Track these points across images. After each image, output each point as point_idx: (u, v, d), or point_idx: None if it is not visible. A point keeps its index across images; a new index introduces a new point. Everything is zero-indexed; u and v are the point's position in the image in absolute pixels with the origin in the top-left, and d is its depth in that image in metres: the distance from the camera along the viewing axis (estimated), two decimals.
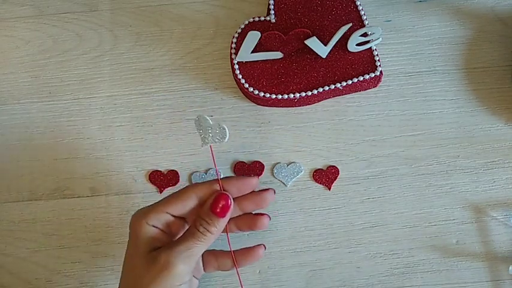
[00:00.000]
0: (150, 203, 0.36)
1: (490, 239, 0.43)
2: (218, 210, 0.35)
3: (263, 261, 0.43)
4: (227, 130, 0.35)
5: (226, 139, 0.35)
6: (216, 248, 0.38)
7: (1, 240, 0.44)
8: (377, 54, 0.46)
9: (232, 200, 0.35)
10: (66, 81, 0.49)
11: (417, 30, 0.49)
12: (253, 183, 0.37)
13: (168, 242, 0.35)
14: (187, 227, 0.38)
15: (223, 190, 0.36)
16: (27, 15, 0.51)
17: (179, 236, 0.36)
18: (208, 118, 0.35)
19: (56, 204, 0.45)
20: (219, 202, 0.35)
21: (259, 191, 0.37)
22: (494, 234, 0.43)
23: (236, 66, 0.46)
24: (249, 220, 0.37)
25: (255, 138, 0.46)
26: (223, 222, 0.35)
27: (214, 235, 0.35)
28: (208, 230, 0.34)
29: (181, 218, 0.37)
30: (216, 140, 0.35)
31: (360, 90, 0.47)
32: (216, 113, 0.47)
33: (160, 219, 0.35)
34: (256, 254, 0.38)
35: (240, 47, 0.44)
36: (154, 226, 0.35)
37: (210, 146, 0.35)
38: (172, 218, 0.36)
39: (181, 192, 0.36)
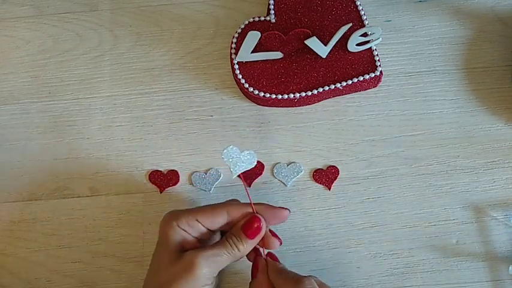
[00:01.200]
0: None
1: (490, 239, 0.43)
2: (249, 231, 0.36)
3: None
4: (254, 154, 0.36)
5: (254, 164, 0.36)
6: None
7: (1, 240, 0.44)
8: (377, 54, 0.46)
9: (264, 224, 0.36)
10: (66, 81, 0.49)
11: (417, 30, 0.49)
12: (284, 215, 0.38)
13: (198, 245, 0.37)
14: (216, 239, 0.39)
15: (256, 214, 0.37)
16: (27, 15, 0.51)
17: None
18: (235, 148, 0.36)
19: (56, 204, 0.45)
20: (250, 224, 0.36)
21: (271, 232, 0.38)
22: (494, 234, 0.43)
23: (236, 66, 0.46)
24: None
25: (255, 138, 0.46)
26: (252, 243, 0.36)
27: (241, 253, 0.36)
28: (236, 246, 0.36)
29: (212, 231, 0.38)
30: (244, 167, 0.36)
31: (360, 90, 0.47)
32: (216, 113, 0.47)
33: (191, 224, 0.36)
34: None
35: (240, 47, 0.44)
36: (184, 230, 0.36)
37: (240, 174, 0.36)
38: (204, 229, 0.37)
39: (215, 207, 0.37)
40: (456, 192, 0.44)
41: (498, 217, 0.43)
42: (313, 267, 0.43)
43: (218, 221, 0.36)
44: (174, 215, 0.36)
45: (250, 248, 0.37)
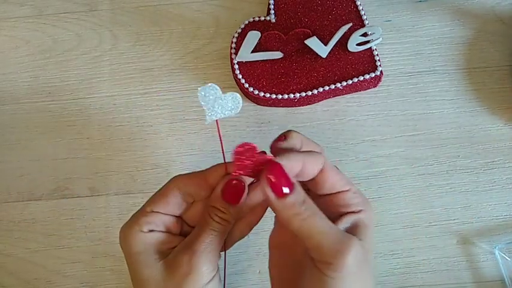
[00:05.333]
0: None
1: (490, 239, 0.43)
2: (229, 196, 0.30)
3: (263, 261, 0.43)
4: (240, 98, 0.29)
5: (239, 109, 0.29)
6: None
7: (1, 240, 0.44)
8: (377, 54, 0.46)
9: (245, 182, 0.30)
10: (66, 81, 0.49)
11: (417, 30, 0.49)
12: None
13: (177, 241, 0.31)
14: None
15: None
16: (27, 15, 0.51)
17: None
18: (217, 87, 0.28)
19: (55, 204, 0.45)
20: (227, 186, 0.30)
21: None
22: (495, 235, 0.43)
23: (236, 66, 0.46)
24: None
25: (255, 138, 0.46)
26: (238, 208, 0.30)
27: (231, 223, 0.30)
28: (223, 219, 0.30)
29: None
30: (227, 113, 0.29)
31: (360, 90, 0.47)
32: None
33: (154, 221, 0.30)
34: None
35: (240, 47, 0.44)
36: (151, 231, 0.30)
37: (216, 120, 0.29)
38: (169, 217, 0.31)
39: (164, 188, 0.31)
40: (456, 192, 0.44)
41: (498, 217, 0.43)
42: None
43: (172, 201, 0.30)
44: (132, 223, 0.30)
45: (239, 214, 0.31)
